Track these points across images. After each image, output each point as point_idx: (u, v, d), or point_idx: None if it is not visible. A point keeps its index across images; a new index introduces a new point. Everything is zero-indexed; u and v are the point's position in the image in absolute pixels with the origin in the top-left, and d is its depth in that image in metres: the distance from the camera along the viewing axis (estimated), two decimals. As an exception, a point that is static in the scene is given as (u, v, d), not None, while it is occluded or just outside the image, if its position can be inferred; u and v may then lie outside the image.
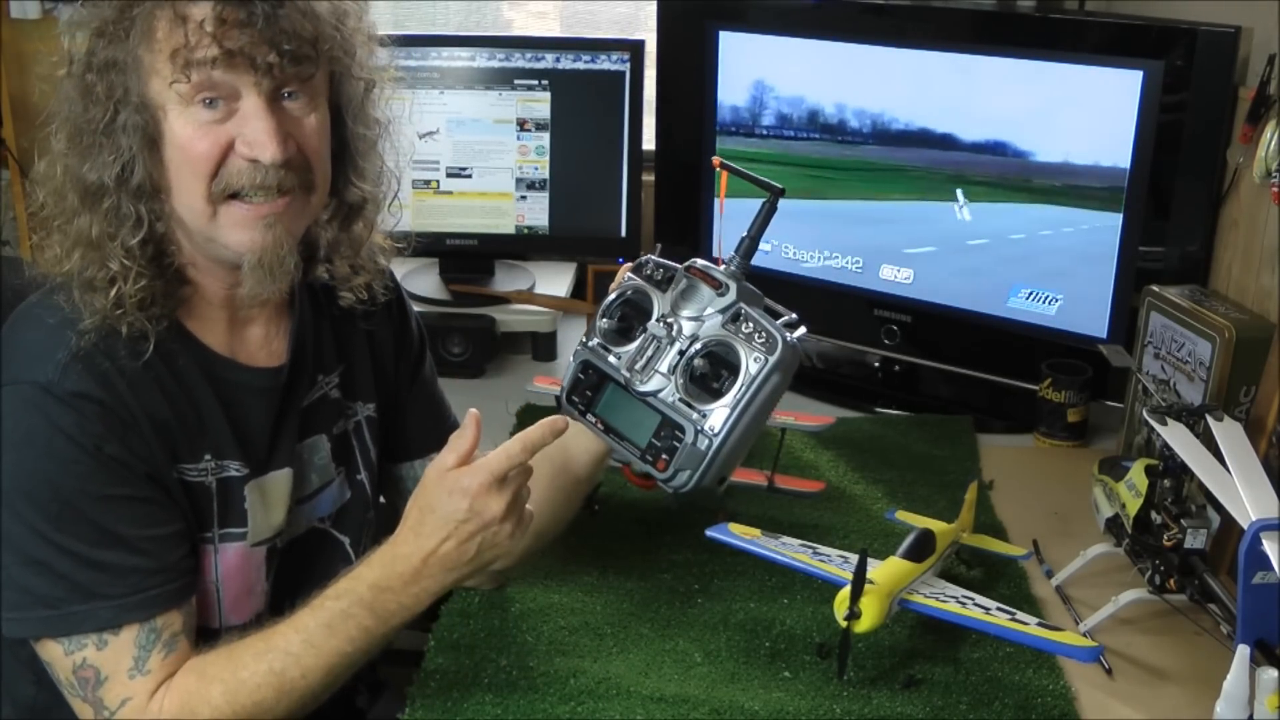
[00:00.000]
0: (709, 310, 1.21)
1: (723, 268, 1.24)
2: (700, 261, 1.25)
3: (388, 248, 1.42)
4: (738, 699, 1.27)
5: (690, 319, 1.21)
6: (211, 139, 1.18)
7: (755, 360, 1.18)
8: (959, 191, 1.91)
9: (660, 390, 1.20)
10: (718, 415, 1.18)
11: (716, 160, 1.30)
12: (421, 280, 2.26)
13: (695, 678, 1.31)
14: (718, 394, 1.19)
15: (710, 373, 1.19)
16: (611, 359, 1.24)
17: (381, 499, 1.49)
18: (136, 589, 1.18)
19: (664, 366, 1.21)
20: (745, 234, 1.26)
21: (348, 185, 1.32)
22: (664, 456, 1.20)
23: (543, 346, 2.20)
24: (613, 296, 1.28)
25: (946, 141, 1.91)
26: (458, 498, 1.18)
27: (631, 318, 1.26)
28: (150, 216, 1.20)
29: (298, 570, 1.35)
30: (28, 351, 1.20)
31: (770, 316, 1.21)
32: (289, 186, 1.21)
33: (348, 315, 1.41)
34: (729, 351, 1.19)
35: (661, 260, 1.27)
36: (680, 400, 1.19)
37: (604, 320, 1.27)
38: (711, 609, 1.43)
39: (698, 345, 1.21)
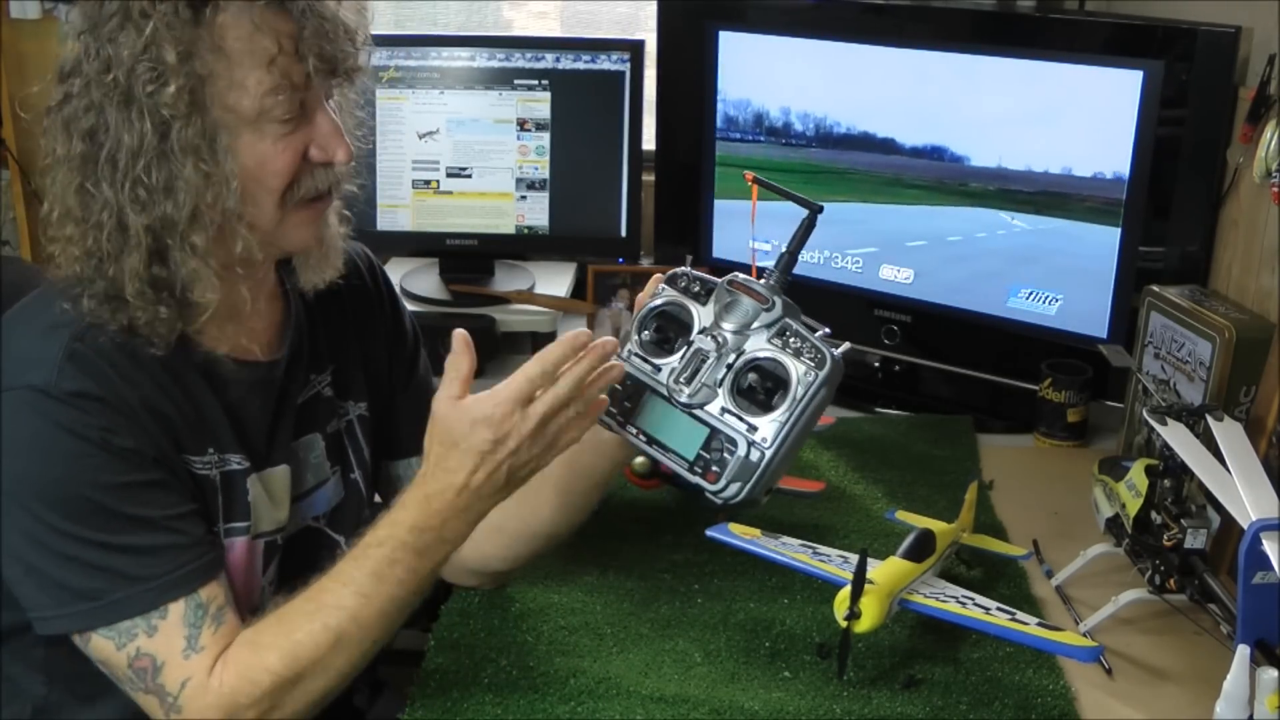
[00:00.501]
0: (756, 325, 1.22)
1: (762, 282, 1.24)
2: (740, 275, 1.25)
3: (343, 227, 1.39)
4: (738, 699, 1.27)
5: (735, 333, 1.22)
6: (291, 151, 1.19)
7: (807, 374, 1.19)
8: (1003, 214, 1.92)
9: (707, 403, 1.21)
10: (769, 427, 1.19)
11: (749, 175, 1.31)
12: (421, 280, 2.26)
13: (695, 678, 1.31)
14: (766, 406, 1.19)
15: (759, 386, 1.20)
16: (651, 370, 1.24)
17: (378, 497, 1.49)
18: (174, 566, 1.18)
19: (711, 379, 1.21)
20: (784, 249, 1.26)
21: None
22: (714, 469, 1.21)
23: (543, 346, 2.18)
24: (649, 308, 1.27)
25: (940, 153, 1.91)
26: (481, 429, 1.17)
27: (669, 330, 1.26)
28: (203, 246, 1.19)
29: (293, 569, 1.35)
30: (22, 355, 1.19)
31: (811, 331, 1.23)
32: (344, 181, 1.26)
33: (340, 315, 1.40)
34: (778, 366, 1.20)
35: (698, 274, 1.27)
36: (729, 413, 1.20)
37: (641, 332, 1.26)
38: (711, 609, 1.43)
39: (746, 358, 1.21)
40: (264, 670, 1.18)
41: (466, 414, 1.18)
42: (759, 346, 1.21)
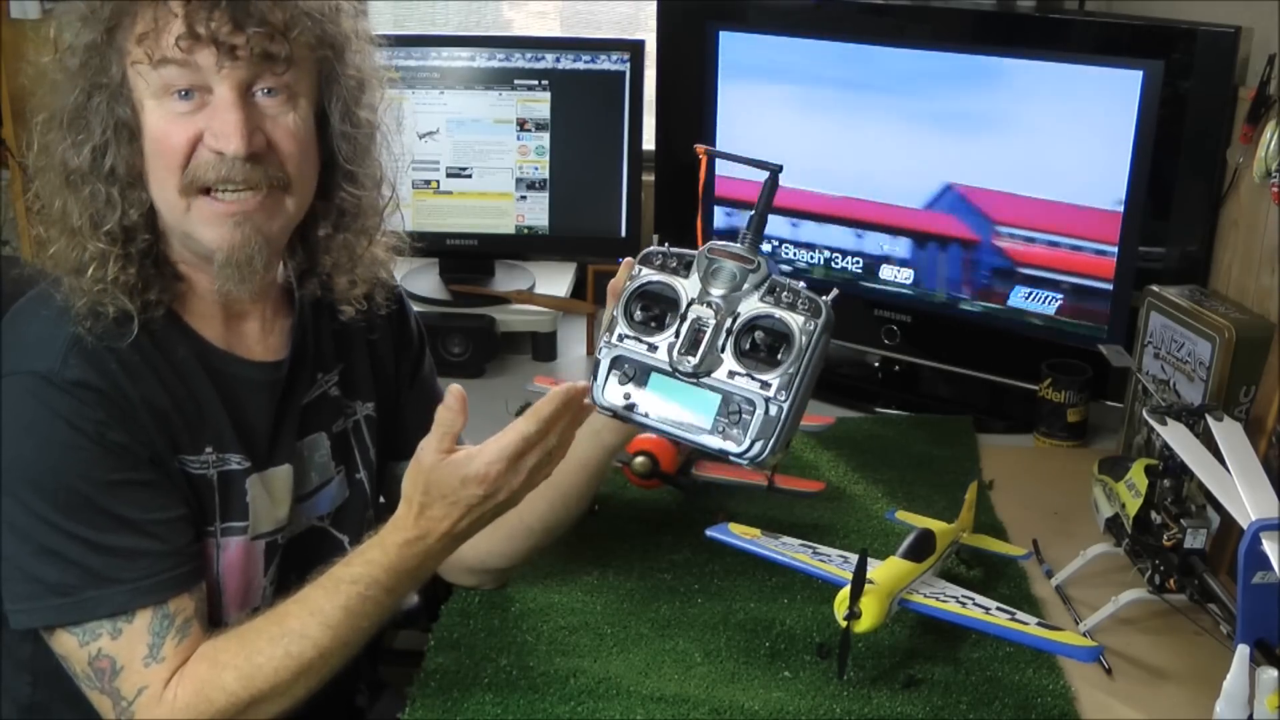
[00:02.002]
0: (746, 286, 1.22)
1: (739, 246, 1.24)
2: (718, 242, 1.25)
3: (388, 260, 1.41)
4: (738, 699, 1.27)
5: (725, 296, 1.22)
6: (181, 131, 1.19)
7: (806, 324, 1.19)
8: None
9: (714, 369, 1.21)
10: (781, 381, 1.19)
11: (700, 148, 1.30)
12: (421, 280, 2.26)
13: (695, 678, 1.31)
14: (773, 362, 1.20)
15: (762, 343, 1.20)
16: (646, 349, 1.24)
17: (381, 498, 1.49)
18: (148, 572, 1.18)
19: (713, 345, 1.21)
20: (753, 213, 1.26)
21: (338, 190, 1.31)
22: (735, 431, 1.21)
23: (543, 346, 2.20)
24: (631, 289, 1.26)
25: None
26: (471, 485, 1.17)
27: (655, 308, 1.25)
28: (125, 204, 1.20)
29: (297, 568, 1.35)
30: (27, 342, 1.20)
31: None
32: (257, 182, 1.21)
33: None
34: (777, 321, 1.20)
35: (674, 250, 1.27)
36: (738, 375, 1.20)
37: (628, 315, 1.26)
38: (711, 609, 1.43)
39: (744, 319, 1.21)
40: (220, 689, 1.18)
41: (457, 470, 1.17)
42: (753, 306, 1.21)
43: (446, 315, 2.15)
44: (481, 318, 2.14)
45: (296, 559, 1.35)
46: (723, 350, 1.21)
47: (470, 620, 1.41)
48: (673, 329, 1.23)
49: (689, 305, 1.23)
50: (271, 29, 1.18)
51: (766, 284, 1.22)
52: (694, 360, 1.21)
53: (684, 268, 1.25)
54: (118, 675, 1.18)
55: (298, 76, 1.23)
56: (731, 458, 1.21)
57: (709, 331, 1.21)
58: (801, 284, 1.22)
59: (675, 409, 1.23)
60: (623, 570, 1.51)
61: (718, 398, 1.21)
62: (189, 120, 1.19)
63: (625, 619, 1.41)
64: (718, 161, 1.60)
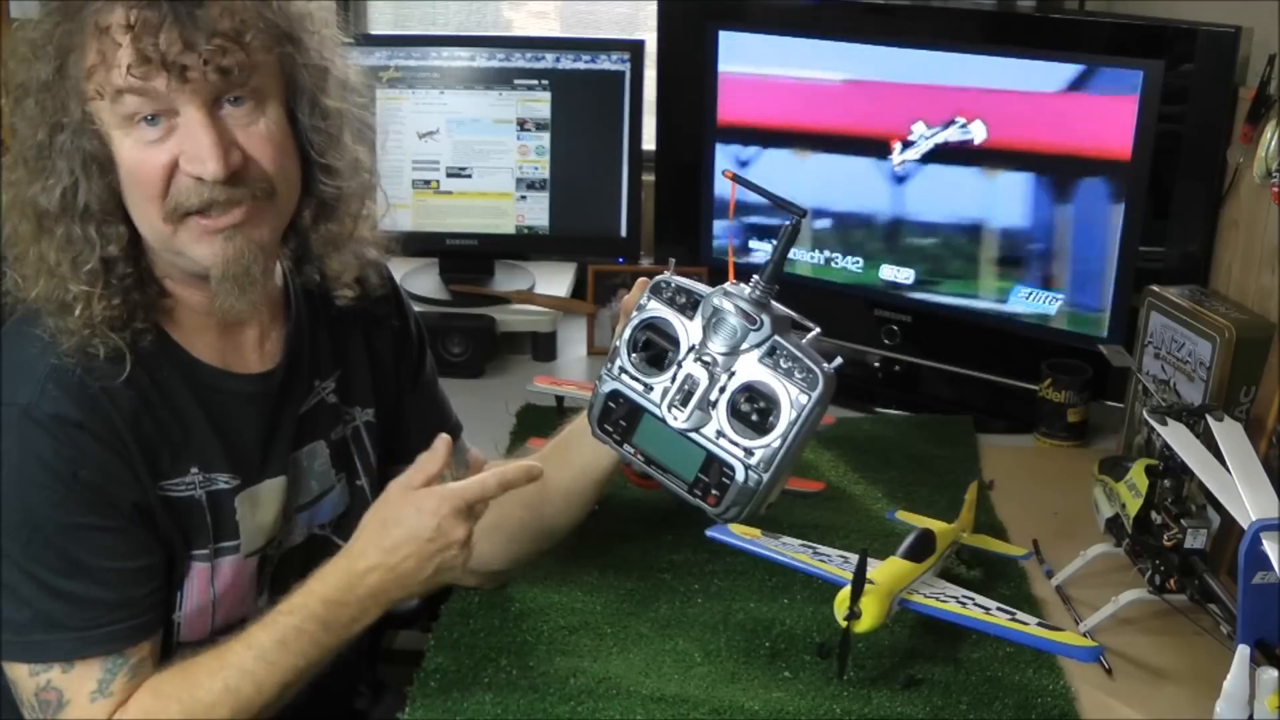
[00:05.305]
0: (744, 345, 1.19)
1: (747, 291, 1.20)
2: (727, 287, 1.21)
3: (376, 240, 1.38)
4: (738, 699, 1.27)
5: (724, 354, 1.19)
6: (155, 158, 1.15)
7: (799, 398, 1.16)
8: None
9: (701, 426, 1.20)
10: (765, 452, 1.17)
11: (728, 173, 1.28)
12: (421, 280, 2.26)
13: (695, 678, 1.31)
14: (761, 429, 1.17)
15: (753, 409, 1.18)
16: (642, 389, 1.22)
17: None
18: (97, 622, 1.17)
19: (704, 402, 1.19)
20: (769, 258, 1.22)
21: (316, 183, 1.28)
22: (714, 493, 1.19)
23: (543, 346, 2.20)
24: (635, 322, 1.23)
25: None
26: (426, 517, 1.19)
27: (656, 344, 1.23)
28: (103, 240, 1.17)
29: (298, 578, 1.34)
30: (15, 369, 1.19)
31: (804, 345, 1.19)
32: (240, 199, 1.18)
33: (346, 319, 1.39)
34: (770, 389, 1.17)
35: (683, 284, 1.23)
36: (724, 437, 1.18)
37: (628, 347, 1.24)
38: (711, 609, 1.43)
39: (738, 381, 1.18)
40: None
41: (417, 502, 1.21)
42: (750, 368, 1.18)
43: (446, 315, 2.15)
44: (481, 318, 2.14)
45: (298, 569, 1.34)
46: (714, 407, 1.19)
47: (470, 620, 1.41)
48: (669, 374, 1.21)
49: (686, 353, 1.20)
50: (224, 40, 1.13)
51: (767, 345, 1.18)
52: (683, 416, 1.19)
53: (691, 307, 1.22)
54: (62, 708, 1.17)
55: (262, 79, 1.19)
56: (709, 513, 1.21)
57: (698, 392, 1.19)
58: (813, 332, 1.19)
59: (662, 454, 1.22)
60: (623, 570, 1.51)
61: (702, 454, 1.19)
62: (160, 147, 1.15)
63: (625, 619, 1.41)
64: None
